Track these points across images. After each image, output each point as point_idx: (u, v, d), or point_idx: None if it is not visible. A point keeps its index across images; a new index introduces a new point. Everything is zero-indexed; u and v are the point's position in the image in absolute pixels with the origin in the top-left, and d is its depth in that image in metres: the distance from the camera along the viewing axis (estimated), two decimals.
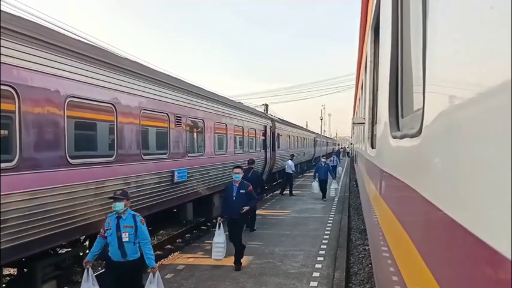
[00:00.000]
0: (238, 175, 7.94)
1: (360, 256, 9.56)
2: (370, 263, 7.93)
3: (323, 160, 17.93)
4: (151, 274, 5.17)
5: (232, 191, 7.88)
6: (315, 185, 17.35)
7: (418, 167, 1.52)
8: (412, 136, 1.59)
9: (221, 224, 7.75)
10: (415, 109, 1.80)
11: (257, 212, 12.93)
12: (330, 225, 11.78)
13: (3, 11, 4.85)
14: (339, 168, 28.82)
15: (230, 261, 7.90)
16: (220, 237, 7.71)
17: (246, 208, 7.73)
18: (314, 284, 6.82)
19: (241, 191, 7.81)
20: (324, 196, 16.92)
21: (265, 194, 18.55)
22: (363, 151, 7.65)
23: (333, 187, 17.50)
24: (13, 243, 4.83)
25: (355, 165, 20.00)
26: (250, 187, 7.96)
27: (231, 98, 16.01)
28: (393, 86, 2.30)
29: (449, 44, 1.08)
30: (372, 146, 4.47)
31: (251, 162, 11.84)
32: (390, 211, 2.35)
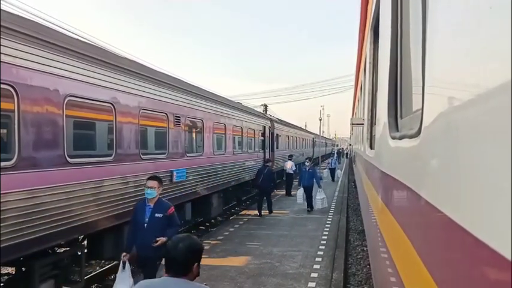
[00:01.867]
0: (152, 190, 5.24)
1: (358, 257, 9.55)
2: (369, 264, 7.92)
3: (306, 164, 15.04)
4: None
5: (144, 214, 5.26)
6: (300, 193, 14.57)
7: (417, 168, 1.52)
8: (411, 137, 1.59)
9: (126, 263, 5.16)
10: (414, 110, 1.80)
11: (256, 212, 12.93)
12: (329, 226, 11.78)
13: (3, 10, 4.85)
14: (338, 172, 26.64)
15: (229, 261, 7.89)
16: (123, 282, 5.10)
17: (161, 239, 4.98)
18: (312, 284, 6.82)
19: (156, 215, 5.21)
20: (308, 205, 14.21)
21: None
22: (361, 152, 7.66)
23: (319, 197, 13.97)
24: (11, 242, 4.82)
25: (353, 166, 19.99)
26: (171, 209, 5.32)
27: (230, 98, 16.01)
28: (392, 86, 2.30)
29: (449, 45, 1.08)
30: (371, 147, 4.48)
31: (267, 161, 14.81)
32: (389, 212, 2.35)
